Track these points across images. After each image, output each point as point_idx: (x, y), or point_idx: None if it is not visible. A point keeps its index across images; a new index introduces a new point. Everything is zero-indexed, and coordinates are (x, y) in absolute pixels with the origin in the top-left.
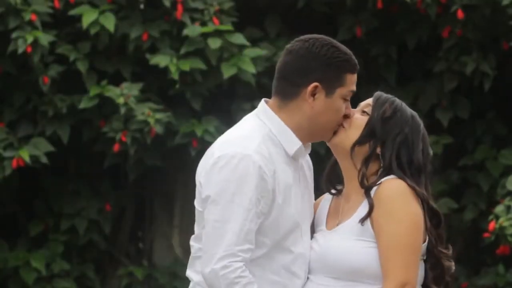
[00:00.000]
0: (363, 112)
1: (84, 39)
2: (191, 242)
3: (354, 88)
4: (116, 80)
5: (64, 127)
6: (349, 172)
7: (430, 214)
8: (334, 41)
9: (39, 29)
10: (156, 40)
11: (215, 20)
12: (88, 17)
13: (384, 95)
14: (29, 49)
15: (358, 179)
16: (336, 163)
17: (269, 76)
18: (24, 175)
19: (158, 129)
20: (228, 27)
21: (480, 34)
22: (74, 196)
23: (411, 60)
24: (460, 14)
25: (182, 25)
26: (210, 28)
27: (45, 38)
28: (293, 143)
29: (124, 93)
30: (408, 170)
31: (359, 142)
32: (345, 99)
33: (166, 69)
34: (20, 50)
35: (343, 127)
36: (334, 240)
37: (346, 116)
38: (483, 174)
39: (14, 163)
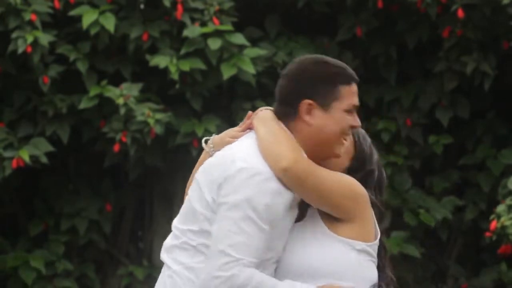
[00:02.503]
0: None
1: (84, 39)
2: (176, 232)
3: (353, 101)
4: (116, 80)
5: (64, 127)
6: None
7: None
8: (326, 57)
9: (39, 29)
10: (156, 40)
11: (215, 20)
12: (88, 17)
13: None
14: (29, 49)
15: None
16: None
17: (269, 76)
18: (24, 175)
19: (157, 129)
20: (228, 27)
21: (480, 34)
22: (74, 196)
23: (411, 60)
24: (460, 14)
25: (182, 25)
26: (210, 28)
27: (45, 38)
28: None
29: (124, 93)
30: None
31: (353, 170)
32: (348, 112)
33: (166, 69)
34: (20, 50)
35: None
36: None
37: (354, 127)
38: (483, 174)
39: (14, 163)
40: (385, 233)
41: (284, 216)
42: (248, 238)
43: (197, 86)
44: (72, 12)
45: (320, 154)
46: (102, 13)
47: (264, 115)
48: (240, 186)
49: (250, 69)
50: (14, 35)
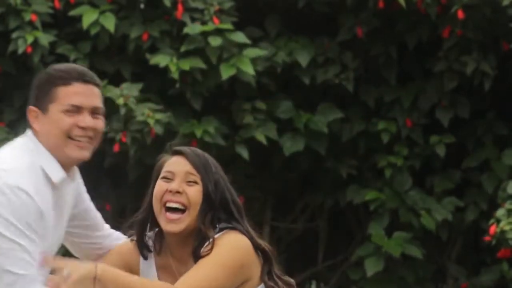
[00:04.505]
0: (188, 182)
1: (84, 39)
2: None
3: (72, 100)
4: (116, 80)
5: None
6: (185, 239)
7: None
8: (60, 64)
9: (39, 29)
10: (156, 40)
11: (215, 20)
12: (88, 17)
13: (197, 154)
14: (29, 49)
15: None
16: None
17: (269, 76)
18: None
19: (157, 129)
20: (229, 25)
21: (481, 34)
22: None
23: (411, 60)
24: (460, 14)
25: (182, 25)
26: (210, 26)
27: (45, 38)
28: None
29: (124, 93)
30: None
31: (202, 219)
32: (67, 112)
33: (166, 69)
34: (20, 50)
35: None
36: None
37: (81, 127)
38: (486, 175)
39: None
40: (386, 234)
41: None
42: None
43: (197, 85)
44: (72, 12)
45: (61, 159)
46: (102, 13)
47: None
48: None
49: (250, 70)
50: (14, 35)
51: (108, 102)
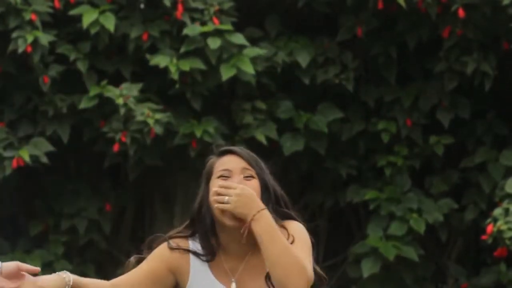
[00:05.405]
0: (246, 177)
1: (84, 39)
2: None
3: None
4: (116, 80)
5: (64, 127)
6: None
7: None
8: None
9: (39, 29)
10: (156, 40)
11: (215, 20)
12: (88, 17)
13: (246, 151)
14: (29, 49)
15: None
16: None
17: (269, 76)
18: (24, 175)
19: (157, 129)
20: (228, 26)
21: (481, 34)
22: (74, 196)
23: (411, 60)
24: (460, 13)
25: (182, 25)
26: (210, 27)
27: (45, 38)
28: None
29: (124, 93)
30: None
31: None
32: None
33: (166, 69)
34: (20, 50)
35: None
36: None
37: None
38: (484, 175)
39: (14, 163)
40: (385, 234)
41: None
42: None
43: (197, 86)
44: (72, 12)
45: None
46: (102, 12)
47: None
48: None
49: (250, 69)
50: (14, 35)
51: (108, 102)
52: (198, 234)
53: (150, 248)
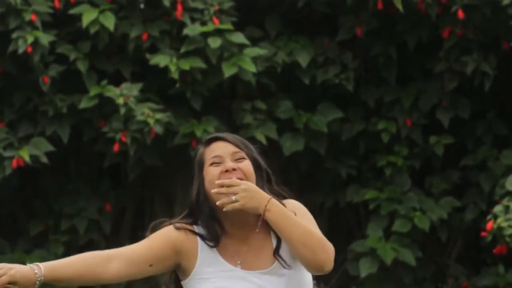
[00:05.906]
0: (237, 160)
1: (84, 38)
2: None
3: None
4: (116, 80)
5: (64, 127)
6: (245, 216)
7: None
8: None
9: (39, 29)
10: (156, 40)
11: (215, 20)
12: (88, 16)
13: (232, 135)
14: (29, 49)
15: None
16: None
17: (269, 76)
18: (24, 175)
19: (157, 129)
20: (228, 26)
21: (481, 34)
22: (74, 196)
23: (411, 60)
24: (460, 14)
25: (182, 25)
26: (210, 27)
27: (45, 38)
28: None
29: (124, 93)
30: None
31: (261, 188)
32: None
33: (166, 69)
34: (20, 50)
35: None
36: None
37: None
38: (484, 174)
39: (14, 163)
40: (384, 236)
41: None
42: None
43: (197, 85)
44: (72, 11)
45: None
46: (102, 12)
47: None
48: None
49: (251, 67)
50: (14, 35)
51: (108, 102)
52: (200, 221)
53: (154, 232)
